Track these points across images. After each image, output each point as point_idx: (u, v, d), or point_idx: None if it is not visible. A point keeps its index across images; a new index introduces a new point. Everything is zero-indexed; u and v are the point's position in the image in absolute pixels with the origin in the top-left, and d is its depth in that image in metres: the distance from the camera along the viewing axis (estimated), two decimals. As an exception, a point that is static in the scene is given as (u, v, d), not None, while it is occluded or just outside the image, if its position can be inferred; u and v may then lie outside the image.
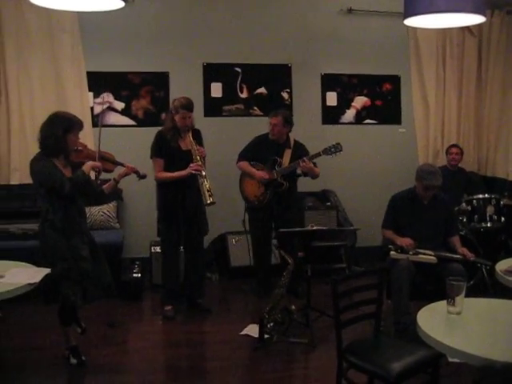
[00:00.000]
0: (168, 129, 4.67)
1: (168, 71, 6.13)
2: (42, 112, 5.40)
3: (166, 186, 4.69)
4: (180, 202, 4.66)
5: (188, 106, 4.61)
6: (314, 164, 5.02)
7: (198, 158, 4.56)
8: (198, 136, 4.76)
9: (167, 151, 4.64)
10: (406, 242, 4.24)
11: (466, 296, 2.60)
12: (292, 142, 5.18)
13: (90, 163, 3.71)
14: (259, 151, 5.17)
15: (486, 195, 5.62)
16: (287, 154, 5.12)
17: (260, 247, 5.31)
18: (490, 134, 6.61)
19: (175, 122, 4.63)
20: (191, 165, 4.53)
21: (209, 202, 4.49)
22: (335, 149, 4.95)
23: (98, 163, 3.76)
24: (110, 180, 4.07)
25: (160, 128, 4.82)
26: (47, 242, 3.66)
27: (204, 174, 4.54)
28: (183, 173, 4.55)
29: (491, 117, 6.57)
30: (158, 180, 4.70)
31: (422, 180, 4.28)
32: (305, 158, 4.92)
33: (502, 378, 1.04)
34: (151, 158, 4.71)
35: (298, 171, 5.14)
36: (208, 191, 4.48)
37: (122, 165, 4.10)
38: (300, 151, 5.12)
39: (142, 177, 4.23)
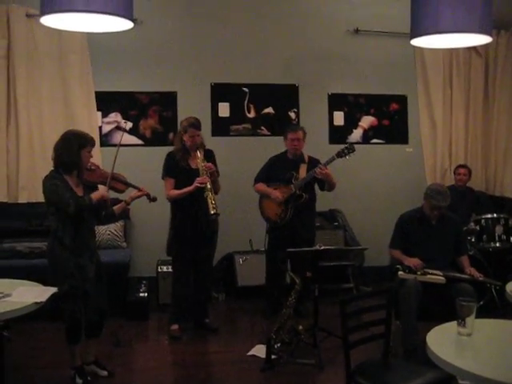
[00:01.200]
0: (178, 149, 4.73)
1: (176, 91, 6.17)
2: (51, 132, 5.49)
3: (179, 204, 4.70)
4: (193, 221, 4.67)
5: (196, 124, 4.68)
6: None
7: (205, 172, 4.59)
8: (209, 156, 4.80)
9: (178, 171, 4.69)
10: (414, 262, 4.21)
11: (476, 317, 2.57)
12: (306, 158, 5.20)
13: (100, 192, 3.76)
14: (275, 171, 5.18)
15: (495, 215, 5.59)
16: (303, 168, 5.13)
17: (277, 267, 5.21)
18: (498, 153, 6.60)
19: (184, 142, 4.68)
20: (197, 179, 4.56)
21: (212, 212, 4.51)
22: (348, 150, 4.93)
23: (107, 194, 3.78)
24: (121, 200, 4.10)
25: (170, 148, 4.88)
26: (56, 259, 3.68)
27: (209, 187, 4.56)
28: (190, 188, 4.58)
29: (499, 136, 6.56)
30: (169, 199, 4.73)
31: (430, 199, 4.27)
32: (320, 165, 4.92)
33: None
34: (163, 178, 4.76)
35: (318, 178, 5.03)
36: (212, 203, 4.51)
37: (133, 187, 4.11)
38: (315, 165, 5.12)
39: (153, 199, 4.24)
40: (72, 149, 3.64)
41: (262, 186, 5.23)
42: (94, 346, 3.98)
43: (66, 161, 3.66)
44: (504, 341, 2.61)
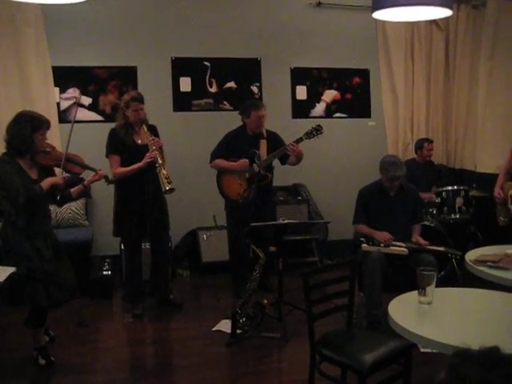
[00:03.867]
0: (121, 125, 4.60)
1: (136, 65, 6.04)
2: (6, 108, 5.30)
3: (123, 182, 4.60)
4: (139, 198, 4.60)
5: (139, 98, 4.58)
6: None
7: (154, 147, 4.52)
8: (153, 132, 4.71)
9: (123, 148, 4.57)
10: (384, 236, 4.24)
11: (437, 286, 2.62)
12: (264, 132, 5.11)
13: (50, 180, 3.67)
14: (234, 147, 5.01)
15: (455, 187, 5.68)
16: (263, 144, 5.03)
17: (239, 245, 5.09)
18: (458, 126, 6.69)
19: (127, 118, 4.57)
20: (147, 154, 4.49)
21: (168, 188, 4.45)
22: (316, 131, 4.86)
23: (59, 181, 3.70)
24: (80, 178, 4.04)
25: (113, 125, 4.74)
26: (10, 243, 3.60)
27: (161, 161, 4.49)
28: (140, 164, 4.50)
29: (459, 110, 6.65)
30: (116, 176, 4.57)
31: (385, 172, 4.32)
32: (291, 143, 4.81)
33: (480, 362, 1.03)
34: (107, 156, 4.63)
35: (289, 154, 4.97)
36: (166, 178, 4.45)
37: (91, 169, 4.02)
38: (274, 139, 5.07)
39: (111, 182, 4.28)
40: (25, 132, 3.53)
41: (222, 161, 5.04)
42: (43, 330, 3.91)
43: (19, 144, 3.55)
44: (463, 308, 2.67)
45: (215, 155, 5.10)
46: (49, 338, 4.00)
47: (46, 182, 3.63)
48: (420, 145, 6.19)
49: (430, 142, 6.20)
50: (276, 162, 5.17)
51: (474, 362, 1.04)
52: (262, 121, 4.99)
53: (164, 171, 4.47)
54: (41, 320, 3.77)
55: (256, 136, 5.05)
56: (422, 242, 4.27)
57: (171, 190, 4.47)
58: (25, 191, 3.50)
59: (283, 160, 5.11)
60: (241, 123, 5.17)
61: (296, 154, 4.89)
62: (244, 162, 4.93)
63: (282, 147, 4.91)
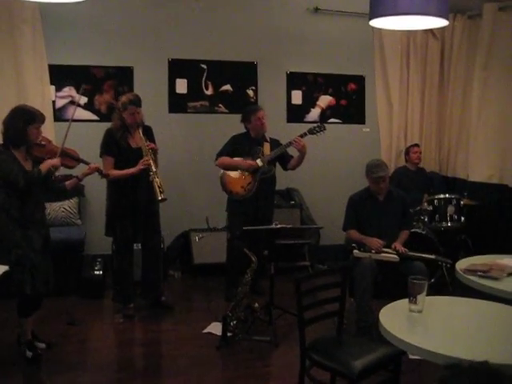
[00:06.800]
0: (117, 127, 4.60)
1: (132, 66, 6.05)
2: (2, 105, 5.28)
3: (116, 183, 4.61)
4: (131, 200, 4.61)
5: (136, 101, 4.56)
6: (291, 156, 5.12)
7: (149, 152, 4.53)
8: (149, 133, 4.71)
9: (117, 150, 4.57)
10: (375, 242, 4.27)
11: (428, 294, 2.64)
12: (268, 138, 5.19)
13: (48, 162, 3.76)
14: (238, 148, 5.09)
15: (447, 195, 5.72)
16: (266, 146, 5.11)
17: (239, 247, 4.91)
18: (452, 135, 6.73)
19: (124, 120, 4.57)
20: (141, 161, 4.50)
21: (160, 198, 4.47)
22: (319, 128, 5.07)
23: (56, 162, 3.78)
24: (72, 176, 4.07)
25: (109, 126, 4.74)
26: (2, 230, 3.67)
27: (155, 169, 4.50)
28: (133, 170, 4.50)
29: (452, 118, 6.69)
30: (108, 175, 4.55)
31: (370, 174, 4.39)
32: (296, 138, 4.93)
33: (469, 377, 1.05)
34: (101, 156, 4.62)
35: (290, 153, 5.11)
36: (159, 187, 4.46)
37: (85, 162, 4.10)
38: (277, 144, 5.14)
39: (105, 176, 4.31)
40: (18, 125, 3.64)
41: (227, 159, 5.07)
42: (31, 322, 3.92)
43: (13, 136, 3.67)
44: (453, 317, 2.69)
45: (221, 153, 5.13)
46: (45, 345, 4.01)
47: (45, 165, 3.72)
48: (407, 150, 6.31)
49: (416, 145, 6.29)
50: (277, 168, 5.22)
51: (465, 376, 1.05)
52: (263, 121, 5.07)
53: (157, 179, 4.48)
54: (27, 309, 3.82)
55: (260, 139, 5.13)
56: (401, 249, 4.29)
57: (163, 200, 4.50)
58: (24, 176, 3.60)
59: (284, 165, 5.17)
60: (237, 126, 5.23)
61: (300, 148, 4.96)
62: (251, 163, 5.00)
63: (287, 142, 5.01)
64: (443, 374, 1.08)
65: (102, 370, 3.79)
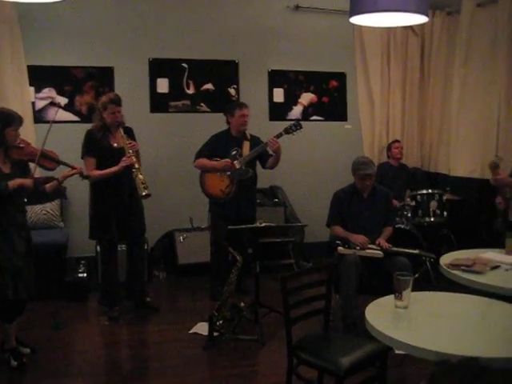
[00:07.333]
0: (98, 127, 4.57)
1: (113, 66, 6.00)
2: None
3: (99, 185, 4.58)
4: (114, 201, 4.58)
5: (116, 100, 4.54)
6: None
7: (131, 151, 4.51)
8: (130, 134, 4.69)
9: (99, 151, 4.55)
10: (359, 239, 4.29)
11: (412, 289, 2.65)
12: (248, 135, 5.18)
13: (19, 181, 3.63)
14: (218, 148, 5.08)
15: (430, 191, 5.76)
16: (246, 145, 5.10)
17: (222, 246, 4.95)
18: (433, 130, 6.78)
19: (104, 120, 4.54)
20: (123, 159, 4.47)
21: (144, 194, 4.44)
22: (295, 127, 4.98)
23: (29, 184, 3.66)
24: (53, 178, 4.02)
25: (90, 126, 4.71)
26: None
27: (137, 166, 4.48)
28: (116, 168, 4.48)
29: (434, 114, 6.74)
30: (89, 177, 4.53)
31: (357, 171, 4.42)
32: (271, 138, 4.89)
33: (459, 374, 1.05)
34: (82, 157, 4.59)
35: (270, 152, 5.06)
36: (142, 183, 4.44)
37: (65, 164, 4.06)
38: (257, 142, 5.12)
39: (86, 177, 4.28)
40: None
41: (205, 161, 5.08)
42: (14, 327, 3.87)
43: None
44: (438, 312, 2.71)
45: (199, 155, 5.13)
46: (30, 350, 3.96)
47: (15, 182, 3.62)
48: (388, 146, 6.39)
49: (397, 141, 6.37)
50: (257, 166, 5.21)
51: (454, 373, 1.06)
52: (245, 120, 5.07)
53: (141, 176, 4.46)
54: (10, 314, 3.76)
55: (240, 138, 5.12)
56: (385, 245, 4.31)
57: (147, 196, 4.47)
58: None
59: (263, 162, 5.16)
60: (220, 125, 5.23)
61: (275, 150, 4.95)
62: (226, 161, 4.99)
63: (260, 145, 5.00)
64: (433, 370, 1.08)
65: (88, 374, 3.76)
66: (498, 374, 1.05)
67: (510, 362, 2.11)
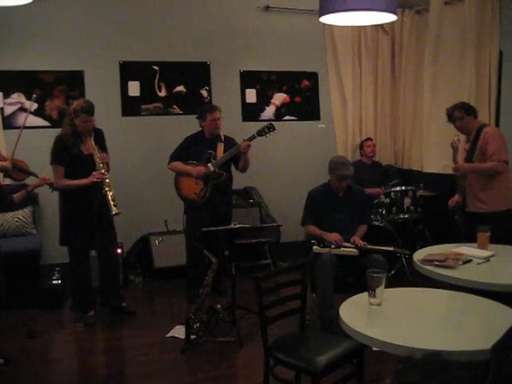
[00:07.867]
0: (68, 134, 4.48)
1: (83, 70, 5.93)
2: None
3: (68, 192, 4.53)
4: (84, 207, 4.53)
5: (89, 109, 4.43)
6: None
7: (101, 165, 4.47)
8: (99, 136, 4.64)
9: (68, 157, 4.48)
10: (334, 237, 4.30)
11: (388, 286, 2.67)
12: (222, 137, 5.17)
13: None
14: (192, 150, 5.07)
15: (403, 187, 5.81)
16: (220, 147, 5.09)
17: (197, 249, 4.91)
18: (405, 128, 6.83)
19: (75, 126, 4.46)
20: (94, 173, 4.43)
21: (114, 213, 4.44)
22: (268, 129, 4.99)
23: (7, 164, 3.59)
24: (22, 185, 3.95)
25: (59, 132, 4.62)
26: None
27: (107, 181, 4.45)
28: (85, 181, 4.43)
29: (406, 111, 6.79)
30: (59, 188, 4.49)
31: (334, 171, 4.40)
32: (244, 140, 4.90)
33: (422, 369, 1.06)
34: (51, 164, 4.50)
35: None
36: (112, 201, 4.41)
37: (35, 175, 3.98)
38: (231, 144, 5.12)
39: (56, 189, 4.25)
40: None
41: (179, 164, 5.08)
42: None
43: None
44: (411, 308, 2.73)
45: (173, 158, 5.12)
46: (4, 360, 3.89)
47: None
48: (361, 145, 6.46)
49: (370, 139, 6.43)
50: (232, 168, 5.21)
51: (417, 368, 1.07)
52: (217, 123, 5.05)
53: (111, 193, 4.42)
54: None
55: (214, 139, 5.10)
56: (360, 243, 4.32)
57: (117, 214, 4.46)
58: None
59: (237, 164, 5.15)
60: (193, 127, 5.22)
61: (246, 152, 4.95)
62: (200, 169, 4.98)
63: (233, 148, 4.99)
64: (397, 367, 1.09)
65: (65, 382, 3.70)
66: (460, 368, 1.06)
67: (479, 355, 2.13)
